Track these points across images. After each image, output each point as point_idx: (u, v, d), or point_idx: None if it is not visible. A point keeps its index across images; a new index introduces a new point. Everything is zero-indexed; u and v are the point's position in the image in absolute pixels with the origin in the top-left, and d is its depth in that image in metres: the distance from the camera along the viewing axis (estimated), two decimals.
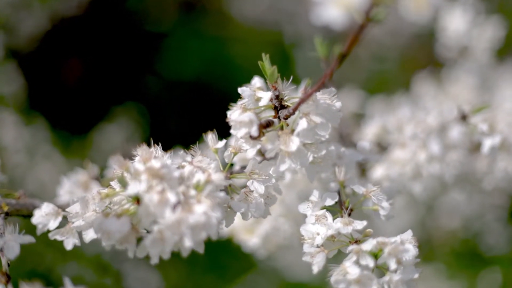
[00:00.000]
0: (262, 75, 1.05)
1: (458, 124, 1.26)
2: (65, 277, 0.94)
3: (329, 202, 1.08)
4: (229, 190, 1.06)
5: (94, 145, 2.64)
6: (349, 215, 1.10)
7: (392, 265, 0.99)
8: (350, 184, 1.11)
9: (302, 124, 0.99)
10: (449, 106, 1.31)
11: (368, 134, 1.36)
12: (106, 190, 1.01)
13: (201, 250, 0.99)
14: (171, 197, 0.94)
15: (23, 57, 2.88)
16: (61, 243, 1.05)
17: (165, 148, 1.04)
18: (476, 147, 1.28)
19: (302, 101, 1.00)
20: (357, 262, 1.00)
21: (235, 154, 1.07)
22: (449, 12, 1.65)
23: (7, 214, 1.10)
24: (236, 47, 3.01)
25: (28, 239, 0.99)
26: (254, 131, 1.01)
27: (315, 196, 1.08)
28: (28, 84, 2.66)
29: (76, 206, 1.04)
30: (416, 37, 2.74)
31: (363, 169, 1.33)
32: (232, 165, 1.10)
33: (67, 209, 1.05)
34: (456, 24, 1.64)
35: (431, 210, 2.33)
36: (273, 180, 1.05)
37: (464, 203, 2.18)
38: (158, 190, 0.94)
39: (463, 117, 1.25)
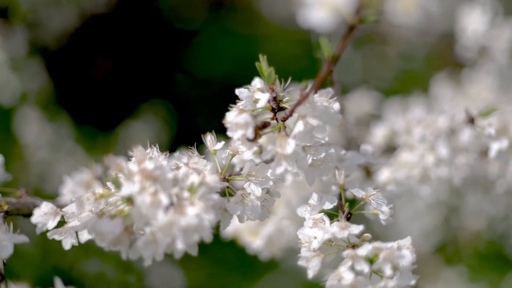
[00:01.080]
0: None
1: (466, 127, 1.24)
2: (56, 278, 0.94)
3: (328, 205, 1.07)
4: (226, 192, 1.05)
5: (119, 142, 2.65)
6: (348, 219, 1.09)
7: (387, 270, 0.97)
8: (351, 187, 1.09)
9: (299, 126, 0.99)
10: (460, 108, 1.29)
11: (377, 136, 1.34)
12: (101, 191, 1.02)
13: (194, 252, 0.99)
14: (164, 199, 0.93)
15: (51, 54, 2.90)
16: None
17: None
18: (485, 151, 1.25)
19: (298, 103, 0.99)
20: (352, 267, 0.99)
21: (233, 156, 1.06)
22: (468, 13, 1.62)
23: (7, 213, 1.11)
24: (266, 45, 3.00)
25: (22, 238, 1.00)
26: (250, 133, 1.00)
27: (314, 199, 1.07)
28: (55, 80, 2.69)
29: (72, 206, 1.04)
30: (444, 36, 2.70)
31: (368, 172, 1.31)
32: (233, 166, 1.09)
33: (63, 209, 1.06)
34: (474, 24, 1.61)
35: (455, 211, 2.31)
36: (271, 183, 1.05)
37: (489, 204, 2.16)
38: (150, 192, 0.94)
39: (471, 120, 1.23)
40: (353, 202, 1.10)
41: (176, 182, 0.98)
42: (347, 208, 1.07)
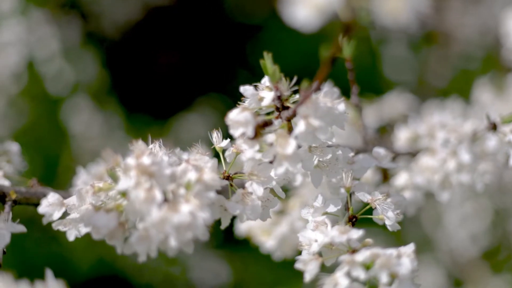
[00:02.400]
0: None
1: (489, 133, 1.20)
2: (48, 270, 0.94)
3: (332, 208, 1.05)
4: (229, 191, 1.04)
5: (171, 133, 2.66)
6: (353, 223, 1.07)
7: (383, 278, 0.95)
8: (358, 190, 1.07)
9: (300, 127, 0.97)
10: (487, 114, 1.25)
11: (401, 139, 1.31)
12: (101, 184, 1.02)
13: (189, 250, 0.98)
14: (158, 195, 0.93)
15: (113, 45, 2.94)
16: None
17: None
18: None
19: (300, 103, 0.97)
20: (348, 273, 0.96)
21: (237, 154, 1.05)
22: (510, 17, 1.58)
23: (15, 202, 1.12)
24: (329, 41, 2.97)
25: (20, 228, 1.00)
26: (250, 131, 0.99)
27: (318, 201, 1.05)
28: (115, 71, 2.72)
29: (74, 198, 1.04)
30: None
31: (386, 175, 1.29)
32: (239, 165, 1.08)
33: (65, 201, 1.06)
34: None
35: (507, 216, 2.25)
36: (274, 183, 1.03)
37: None
38: (145, 187, 0.93)
39: (494, 127, 1.19)
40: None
41: (174, 179, 0.97)
42: (348, 212, 1.05)
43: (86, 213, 0.98)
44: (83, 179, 1.24)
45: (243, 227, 1.32)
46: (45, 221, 1.09)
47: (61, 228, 1.07)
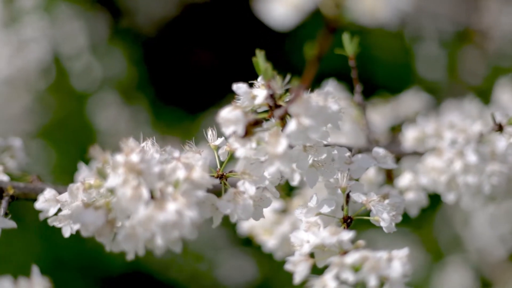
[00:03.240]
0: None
1: (494, 134, 1.17)
2: (34, 266, 0.95)
3: (326, 209, 1.04)
4: (223, 189, 1.04)
5: (200, 129, 2.66)
6: (348, 224, 1.05)
7: (372, 281, 0.93)
8: (355, 190, 1.05)
9: (291, 126, 0.95)
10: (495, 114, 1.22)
11: (408, 138, 1.29)
12: (92, 181, 1.02)
13: (177, 249, 0.97)
14: (145, 193, 0.92)
15: (148, 41, 2.95)
16: None
17: None
18: None
19: (291, 102, 0.96)
20: (337, 275, 0.95)
21: (230, 152, 1.04)
22: None
23: (12, 197, 1.12)
24: (367, 38, 2.95)
25: (11, 224, 1.01)
26: (240, 130, 0.98)
27: (313, 201, 1.04)
28: (150, 66, 2.73)
29: (66, 195, 1.04)
30: None
31: (390, 176, 1.26)
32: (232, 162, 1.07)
33: (57, 197, 1.06)
34: None
35: None
36: (267, 182, 1.02)
37: None
38: (133, 185, 0.93)
39: (500, 128, 1.16)
40: None
41: (163, 177, 0.97)
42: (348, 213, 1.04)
43: (76, 209, 0.98)
44: (83, 175, 1.24)
45: (245, 226, 1.31)
46: (42, 217, 1.10)
47: (56, 224, 1.07)
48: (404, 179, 1.24)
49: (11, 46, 2.13)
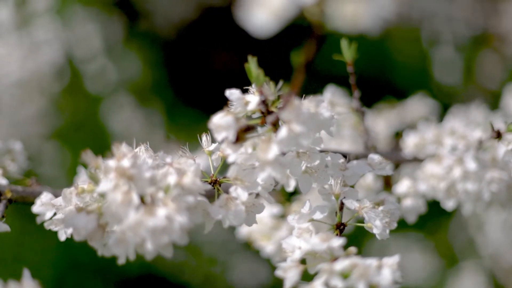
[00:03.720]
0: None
1: (493, 142, 1.16)
2: (25, 269, 0.95)
3: (318, 215, 1.04)
4: (216, 195, 1.04)
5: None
6: (341, 231, 1.05)
7: None
8: (349, 197, 1.05)
9: (282, 132, 0.95)
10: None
11: (409, 145, 1.28)
12: (85, 186, 1.02)
13: (168, 254, 0.97)
14: (135, 198, 0.93)
15: (168, 43, 2.96)
16: None
17: None
18: None
19: (282, 108, 0.96)
20: (326, 282, 0.95)
21: (223, 158, 1.05)
22: None
23: (10, 201, 1.14)
24: (388, 44, 2.95)
25: (4, 227, 1.02)
26: (231, 135, 0.98)
27: (306, 208, 1.04)
28: (170, 68, 2.74)
29: (60, 199, 1.05)
30: None
31: (388, 182, 1.26)
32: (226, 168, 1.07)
33: (52, 201, 1.07)
34: None
35: None
36: (259, 188, 1.02)
37: None
38: (123, 190, 0.93)
39: (498, 135, 1.15)
40: None
41: (154, 182, 0.97)
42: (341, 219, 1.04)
43: (68, 214, 0.99)
44: (83, 178, 1.24)
45: (243, 231, 1.32)
46: (39, 220, 1.11)
47: (52, 227, 1.08)
48: (402, 186, 1.23)
49: (23, 48, 2.15)
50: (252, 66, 0.99)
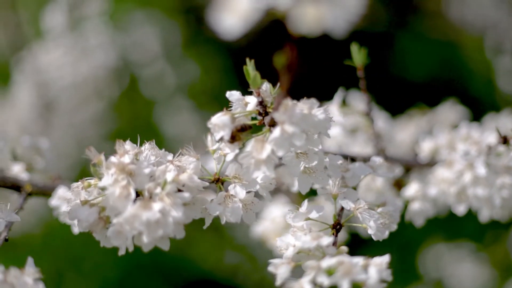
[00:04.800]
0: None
1: (500, 147, 1.17)
2: (29, 258, 1.01)
3: (315, 214, 1.06)
4: (217, 192, 1.07)
5: None
6: (338, 230, 1.07)
7: (344, 285, 0.95)
8: (348, 198, 1.07)
9: (275, 132, 0.98)
10: None
11: (424, 149, 1.29)
12: (92, 181, 1.07)
13: (165, 247, 1.02)
14: (132, 192, 0.98)
15: (235, 50, 3.01)
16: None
17: None
18: None
19: (275, 109, 0.99)
20: (313, 279, 0.97)
21: (225, 156, 1.08)
22: None
23: (29, 194, 1.20)
24: (457, 50, 2.94)
25: (15, 217, 1.07)
26: (226, 134, 1.02)
27: (303, 207, 1.07)
28: (240, 75, 2.78)
29: (69, 193, 1.11)
30: None
31: (399, 185, 1.27)
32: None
33: (64, 195, 1.13)
34: None
35: None
36: (258, 187, 1.05)
37: None
38: (122, 185, 0.98)
39: (505, 141, 1.16)
40: None
41: (154, 178, 1.02)
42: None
43: (74, 206, 1.04)
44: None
45: (257, 231, 1.35)
46: (55, 214, 1.17)
47: (66, 220, 1.13)
48: (410, 189, 1.25)
49: (76, 52, 2.21)
50: (249, 68, 1.03)
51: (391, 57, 2.89)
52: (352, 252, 1.00)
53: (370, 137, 1.28)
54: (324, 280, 0.96)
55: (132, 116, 2.48)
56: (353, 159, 1.14)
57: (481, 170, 1.19)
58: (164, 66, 2.45)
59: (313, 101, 1.01)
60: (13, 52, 2.26)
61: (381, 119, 1.40)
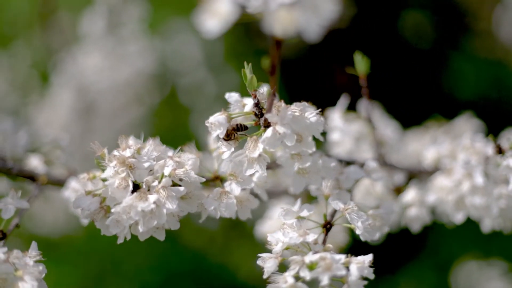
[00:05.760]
0: None
1: (496, 157, 1.19)
2: (34, 242, 1.07)
3: (305, 213, 1.10)
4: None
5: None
6: (328, 229, 1.11)
7: (324, 280, 0.99)
8: (340, 199, 1.11)
9: (267, 132, 1.03)
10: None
11: (428, 158, 1.32)
12: (97, 173, 1.14)
13: (160, 237, 1.07)
14: (130, 184, 1.04)
15: (288, 63, 3.06)
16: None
17: None
18: None
19: (267, 110, 1.04)
20: (296, 274, 1.01)
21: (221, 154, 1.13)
22: None
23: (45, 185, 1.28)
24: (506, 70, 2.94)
25: (25, 205, 1.14)
26: (221, 133, 1.07)
27: (296, 205, 1.11)
28: (290, 88, 2.83)
29: (77, 184, 1.18)
30: None
31: (398, 190, 1.30)
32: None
33: (73, 186, 1.20)
34: None
35: None
36: (253, 184, 1.10)
37: None
38: (121, 177, 1.04)
39: (500, 151, 1.18)
40: None
41: (153, 172, 1.07)
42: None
43: (78, 196, 1.10)
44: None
45: (261, 230, 1.39)
46: (69, 206, 1.24)
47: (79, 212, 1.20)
48: (408, 195, 1.28)
49: (114, 57, 2.26)
50: (246, 71, 1.08)
51: (442, 75, 2.90)
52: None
53: (370, 143, 1.31)
54: (306, 274, 1.00)
55: (172, 123, 2.53)
56: (349, 163, 1.18)
57: (479, 179, 1.21)
58: (205, 74, 2.50)
59: (305, 104, 1.05)
60: (52, 54, 2.32)
61: (390, 128, 1.43)
